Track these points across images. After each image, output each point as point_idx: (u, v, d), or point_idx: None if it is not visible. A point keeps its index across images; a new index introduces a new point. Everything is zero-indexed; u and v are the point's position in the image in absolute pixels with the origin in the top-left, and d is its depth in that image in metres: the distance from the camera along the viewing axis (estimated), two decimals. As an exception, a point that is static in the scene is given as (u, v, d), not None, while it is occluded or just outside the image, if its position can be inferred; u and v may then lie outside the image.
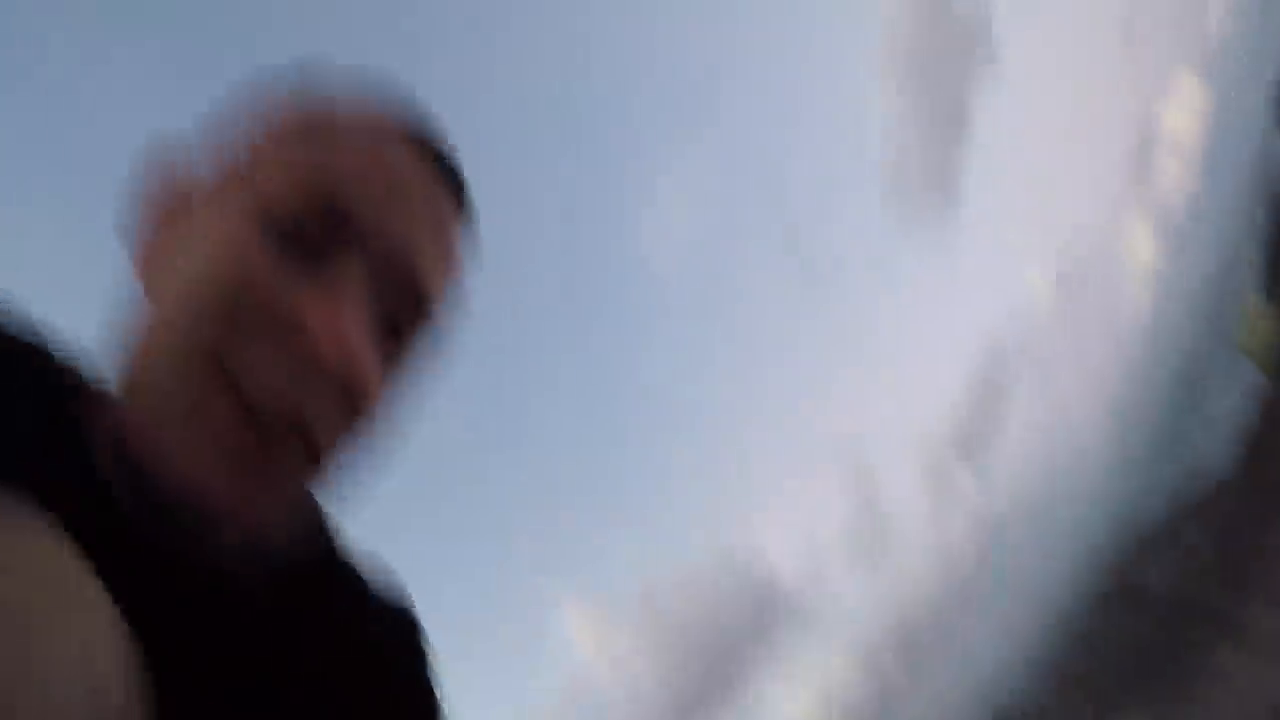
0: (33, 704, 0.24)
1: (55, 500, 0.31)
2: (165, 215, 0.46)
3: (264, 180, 0.43)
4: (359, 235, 0.42)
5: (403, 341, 0.45)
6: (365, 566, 0.57)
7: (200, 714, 0.38)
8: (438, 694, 0.57)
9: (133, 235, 0.47)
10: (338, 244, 0.42)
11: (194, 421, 0.38)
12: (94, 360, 0.48)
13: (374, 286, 0.43)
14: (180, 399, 0.39)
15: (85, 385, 0.46)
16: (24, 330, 0.46)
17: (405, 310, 0.45)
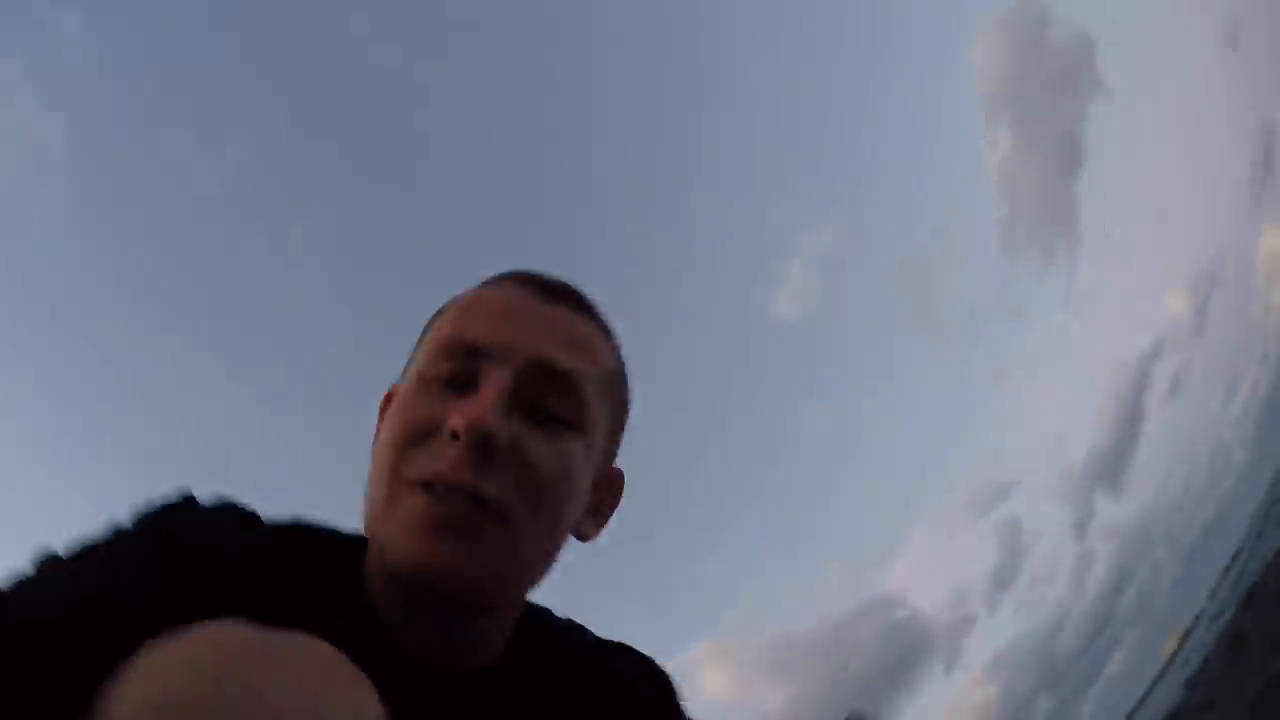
0: None
1: (336, 634, 0.37)
2: (382, 413, 0.60)
3: (421, 359, 0.56)
4: (488, 355, 0.52)
5: (560, 420, 0.53)
6: (585, 634, 0.67)
7: None
8: None
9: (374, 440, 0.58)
10: (481, 367, 0.52)
11: (393, 521, 0.50)
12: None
13: (520, 384, 0.52)
14: (383, 512, 0.51)
15: (353, 544, 0.56)
16: (301, 526, 0.57)
17: (554, 397, 0.53)
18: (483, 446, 0.49)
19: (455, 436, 0.49)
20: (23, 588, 0.43)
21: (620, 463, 0.65)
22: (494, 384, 0.51)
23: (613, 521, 0.64)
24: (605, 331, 0.61)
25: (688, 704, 0.67)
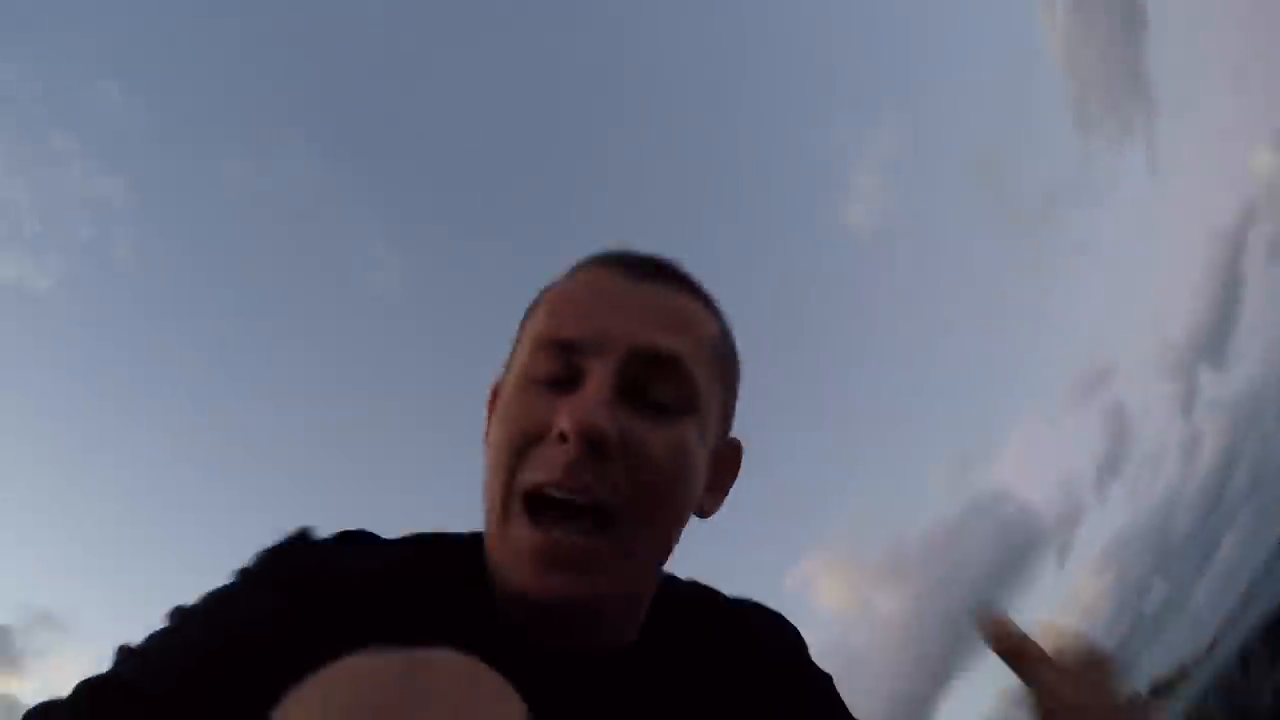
0: None
1: (468, 640, 0.37)
2: (490, 409, 0.60)
3: (520, 357, 0.56)
4: (590, 347, 0.51)
5: (669, 406, 0.53)
6: (713, 597, 0.67)
7: None
8: (831, 687, 0.66)
9: (485, 436, 0.59)
10: (583, 363, 0.51)
11: (506, 547, 0.50)
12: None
13: (624, 375, 0.51)
14: (497, 532, 0.51)
15: (473, 545, 0.56)
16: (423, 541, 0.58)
17: (658, 383, 0.52)
18: (593, 446, 0.48)
19: (564, 438, 0.48)
20: (157, 645, 0.45)
21: (736, 432, 0.64)
22: (597, 378, 0.50)
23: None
24: (705, 302, 0.59)
25: (813, 652, 0.68)
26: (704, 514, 0.60)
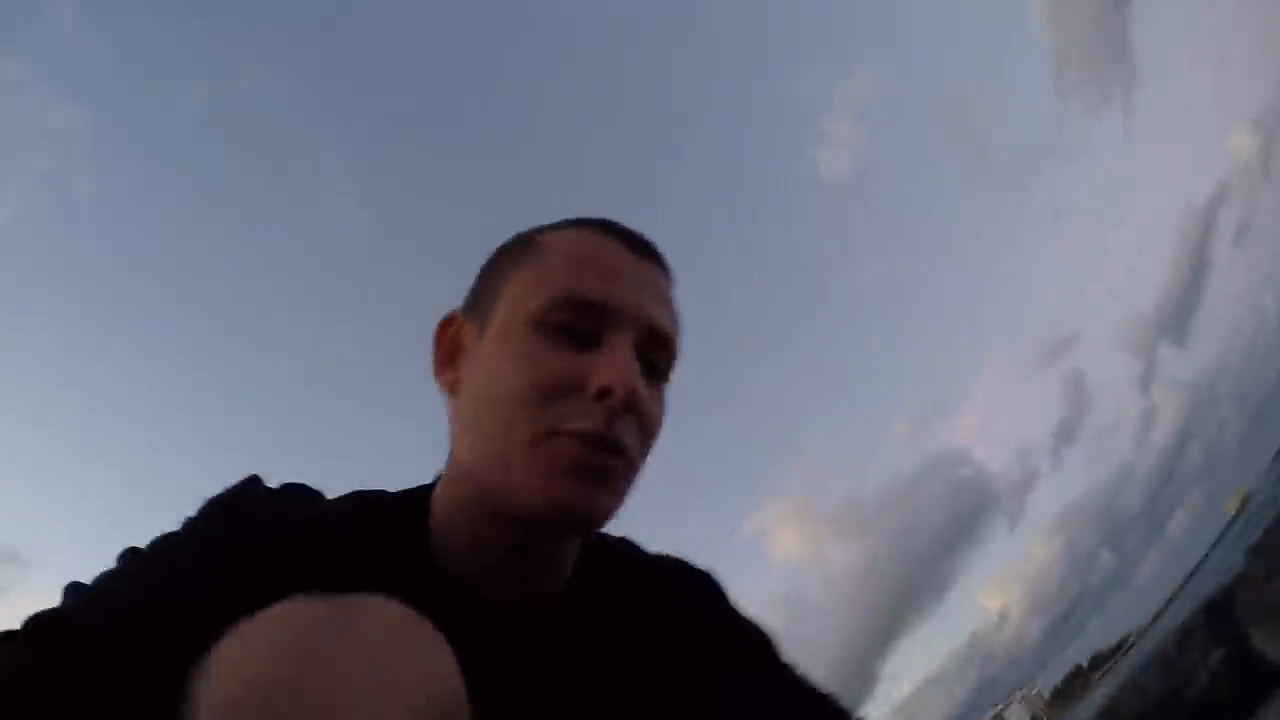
0: (403, 704, 0.33)
1: (405, 590, 0.39)
2: (449, 349, 0.61)
3: (523, 302, 0.56)
4: (613, 315, 0.55)
5: (662, 380, 0.60)
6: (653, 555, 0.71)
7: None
8: (757, 624, 0.70)
9: (436, 372, 0.62)
10: (601, 326, 0.55)
11: (533, 467, 0.53)
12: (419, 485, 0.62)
13: (637, 343, 0.56)
14: (522, 458, 0.53)
15: (413, 500, 0.60)
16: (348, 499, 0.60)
17: (658, 357, 0.58)
18: (629, 406, 0.54)
19: (604, 394, 0.53)
20: (106, 584, 0.48)
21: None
22: (625, 347, 0.55)
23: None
24: (674, 284, 0.64)
25: (738, 604, 0.71)
26: None
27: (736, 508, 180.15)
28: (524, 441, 0.53)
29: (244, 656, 0.34)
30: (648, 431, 0.57)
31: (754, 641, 0.69)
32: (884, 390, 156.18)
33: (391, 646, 0.35)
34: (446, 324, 0.63)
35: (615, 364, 0.54)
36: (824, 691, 0.65)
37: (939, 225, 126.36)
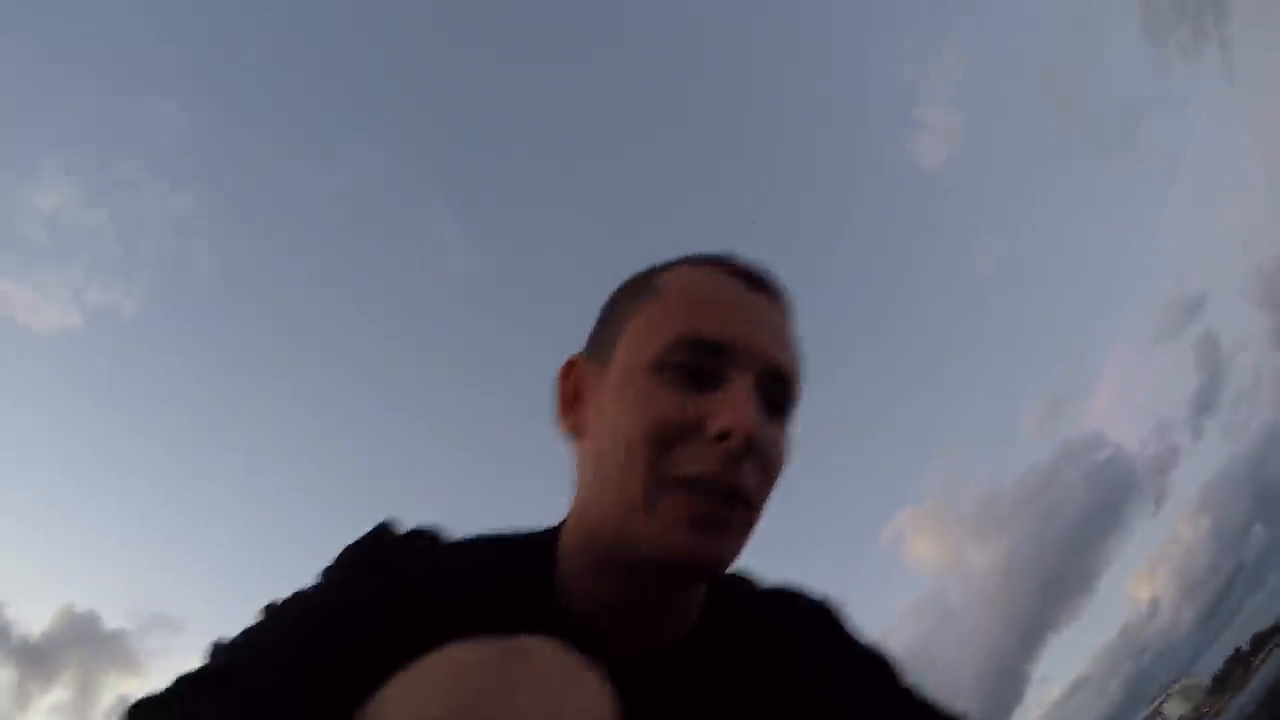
0: None
1: (537, 632, 0.40)
2: (571, 393, 0.63)
3: (642, 345, 0.57)
4: (732, 354, 0.55)
5: (784, 418, 0.59)
6: (780, 589, 0.71)
7: None
8: (883, 657, 0.69)
9: (560, 416, 0.63)
10: (722, 366, 0.55)
11: (654, 517, 0.53)
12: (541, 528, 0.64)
13: (759, 383, 0.56)
14: (641, 507, 0.53)
15: (538, 541, 0.62)
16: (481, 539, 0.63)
17: (780, 395, 0.58)
18: (749, 448, 0.53)
19: (723, 436, 0.53)
20: (253, 638, 0.49)
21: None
22: (745, 387, 0.55)
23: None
24: (795, 318, 0.65)
25: (857, 629, 0.71)
26: None
27: (872, 519, 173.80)
28: (642, 488, 0.54)
29: (420, 700, 0.36)
30: (770, 473, 0.57)
31: (876, 666, 0.68)
32: (1012, 381, 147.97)
33: (556, 687, 0.37)
34: (569, 368, 0.64)
35: (735, 405, 0.53)
36: (950, 712, 0.64)
37: (1047, 199, 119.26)
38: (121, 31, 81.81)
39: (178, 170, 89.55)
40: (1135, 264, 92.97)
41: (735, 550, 0.56)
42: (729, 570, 0.62)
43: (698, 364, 0.55)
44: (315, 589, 0.54)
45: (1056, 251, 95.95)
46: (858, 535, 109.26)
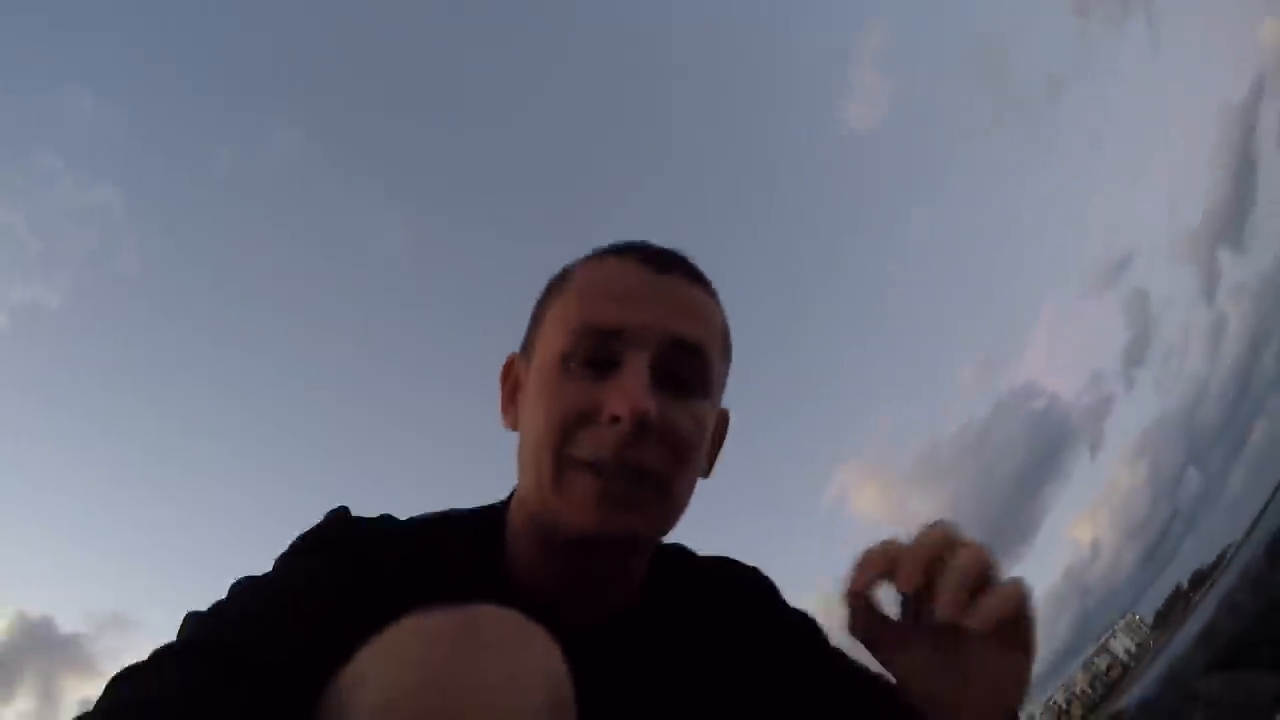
0: (531, 702, 0.37)
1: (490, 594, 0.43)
2: (511, 389, 0.68)
3: (551, 340, 0.61)
4: (630, 337, 0.58)
5: (695, 391, 0.61)
6: (710, 562, 0.75)
7: None
8: (812, 623, 0.73)
9: (502, 412, 0.68)
10: (619, 349, 0.58)
11: (564, 498, 0.57)
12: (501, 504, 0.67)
13: (657, 362, 0.58)
14: (551, 490, 0.58)
15: (487, 518, 0.65)
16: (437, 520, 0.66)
17: (687, 368, 0.60)
18: (641, 428, 0.55)
19: (616, 420, 0.55)
20: (225, 608, 0.51)
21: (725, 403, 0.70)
22: (637, 366, 0.57)
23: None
24: (712, 292, 0.66)
25: (788, 601, 0.75)
26: (704, 475, 0.67)
27: (815, 479, 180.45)
28: (551, 474, 0.57)
29: (390, 670, 0.38)
30: (677, 447, 0.58)
31: (806, 631, 0.73)
32: (947, 339, 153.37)
33: (515, 648, 0.39)
34: (508, 367, 0.69)
35: (624, 388, 0.56)
36: (874, 671, 0.67)
37: (976, 165, 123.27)
38: (29, 20, 76.98)
39: (96, 163, 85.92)
40: (1065, 225, 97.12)
41: (648, 524, 0.59)
42: (666, 543, 0.68)
43: (597, 351, 0.58)
44: (278, 570, 0.56)
45: (987, 215, 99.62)
46: (803, 493, 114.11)
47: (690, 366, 0.60)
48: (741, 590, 0.73)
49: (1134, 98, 45.25)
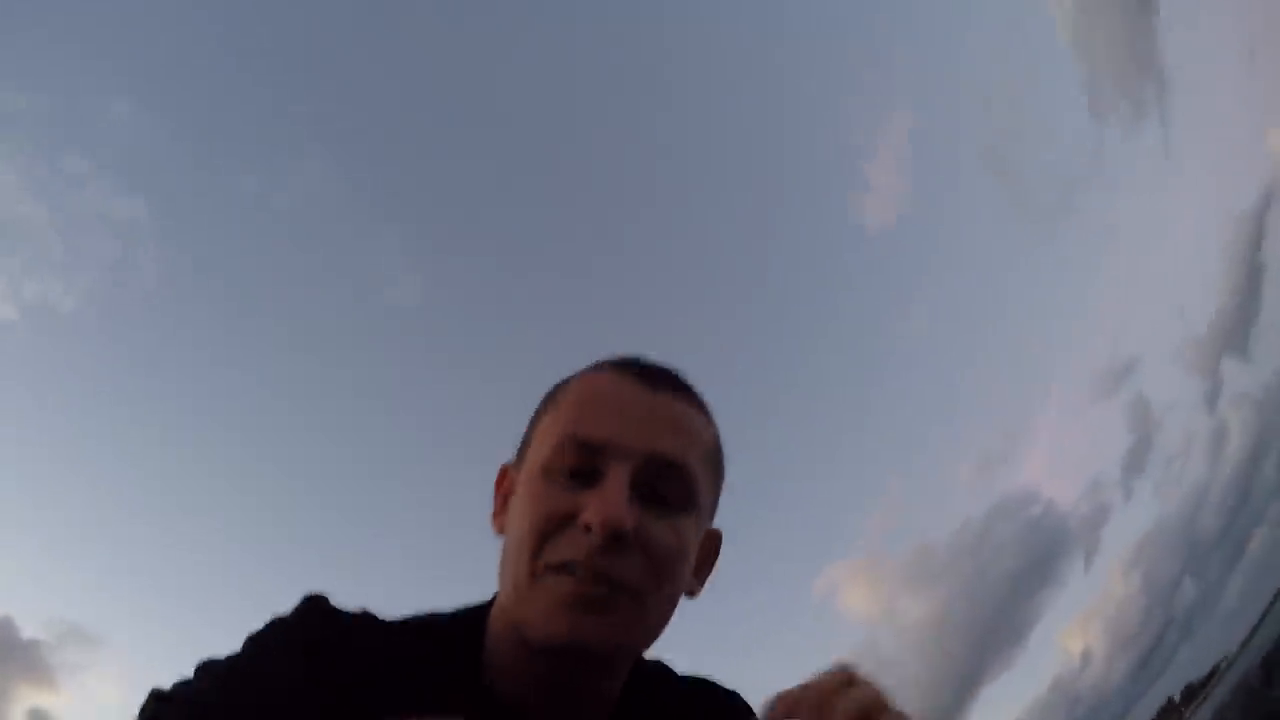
0: None
1: (463, 710, 0.47)
2: (503, 498, 0.68)
3: (540, 451, 0.62)
4: (612, 451, 0.59)
5: (674, 507, 0.61)
6: (693, 680, 0.75)
7: None
8: None
9: (494, 519, 0.68)
10: (601, 463, 0.59)
11: (536, 600, 0.57)
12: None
13: (639, 476, 0.59)
14: (526, 593, 0.58)
15: (468, 622, 0.65)
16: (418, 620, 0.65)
17: (667, 484, 0.60)
18: (614, 539, 0.56)
19: (589, 529, 0.56)
20: (189, 696, 0.52)
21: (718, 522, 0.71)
22: (617, 480, 0.57)
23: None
24: (703, 410, 0.67)
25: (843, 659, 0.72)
26: (690, 594, 0.67)
27: (804, 574, 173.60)
28: (526, 578, 0.58)
29: None
30: (655, 560, 0.59)
31: None
32: (946, 437, 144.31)
33: None
34: (502, 475, 0.70)
35: (601, 499, 0.57)
36: None
37: (986, 264, 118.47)
38: (79, 28, 78.73)
39: (127, 173, 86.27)
40: (1071, 328, 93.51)
41: (621, 633, 0.58)
42: (645, 659, 0.69)
43: (579, 463, 0.59)
44: (246, 657, 0.56)
45: (994, 314, 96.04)
46: (791, 588, 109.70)
47: (672, 482, 0.61)
48: (718, 710, 0.73)
49: (1145, 201, 45.69)
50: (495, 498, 0.70)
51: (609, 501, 0.56)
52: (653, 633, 0.62)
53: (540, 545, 0.58)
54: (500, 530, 0.66)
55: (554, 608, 0.56)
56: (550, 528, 0.58)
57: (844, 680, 0.53)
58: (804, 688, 0.53)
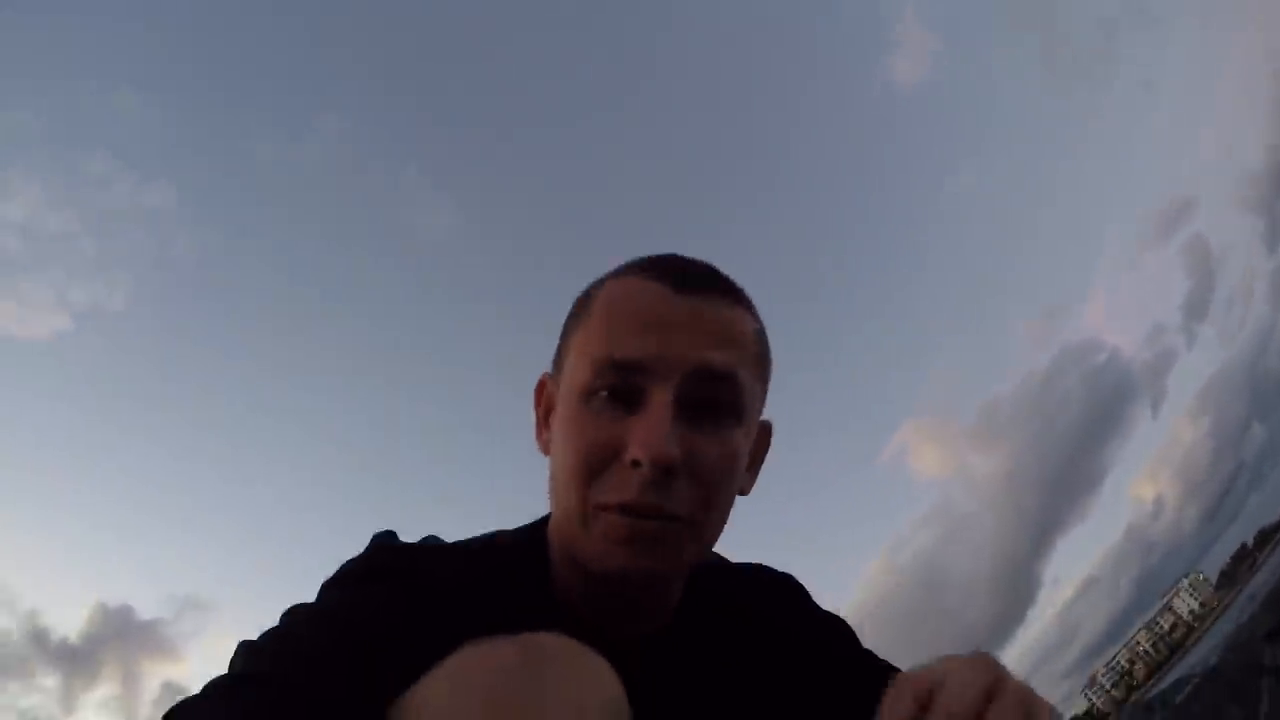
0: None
1: (542, 626, 0.45)
2: (544, 412, 0.67)
3: (577, 371, 0.60)
4: (652, 370, 0.57)
5: (724, 416, 0.59)
6: (750, 573, 0.77)
7: None
8: (844, 636, 0.74)
9: (537, 435, 0.68)
10: (642, 383, 0.57)
11: (592, 537, 0.57)
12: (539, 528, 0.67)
13: (683, 393, 0.57)
14: (580, 530, 0.58)
15: (536, 538, 0.66)
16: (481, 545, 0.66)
17: (714, 394, 0.58)
18: (664, 473, 0.55)
19: (637, 464, 0.55)
20: (279, 637, 0.52)
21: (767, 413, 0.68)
22: (661, 405, 0.56)
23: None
24: (746, 307, 0.63)
25: (817, 602, 0.77)
26: (743, 492, 0.65)
27: (875, 436, 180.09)
28: (579, 515, 0.58)
29: (455, 695, 0.39)
30: (707, 485, 0.58)
31: (836, 632, 0.75)
32: (1005, 295, 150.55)
33: (574, 677, 0.41)
34: (540, 387, 0.68)
35: (646, 428, 0.55)
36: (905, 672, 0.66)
37: (1028, 118, 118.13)
38: (73, 23, 78.64)
39: (147, 162, 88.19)
40: (1122, 174, 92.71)
41: (677, 562, 0.60)
42: (702, 558, 0.66)
43: (620, 386, 0.57)
44: (331, 599, 0.56)
45: (1042, 167, 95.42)
46: (862, 451, 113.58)
47: (719, 394, 0.59)
48: (773, 594, 0.75)
49: (1189, 40, 42.24)
50: (536, 411, 0.68)
51: (653, 432, 0.55)
52: (710, 544, 0.63)
53: (588, 481, 0.57)
54: (545, 450, 0.65)
55: (609, 545, 0.56)
56: (596, 462, 0.57)
57: (992, 681, 0.47)
58: (935, 691, 0.47)
